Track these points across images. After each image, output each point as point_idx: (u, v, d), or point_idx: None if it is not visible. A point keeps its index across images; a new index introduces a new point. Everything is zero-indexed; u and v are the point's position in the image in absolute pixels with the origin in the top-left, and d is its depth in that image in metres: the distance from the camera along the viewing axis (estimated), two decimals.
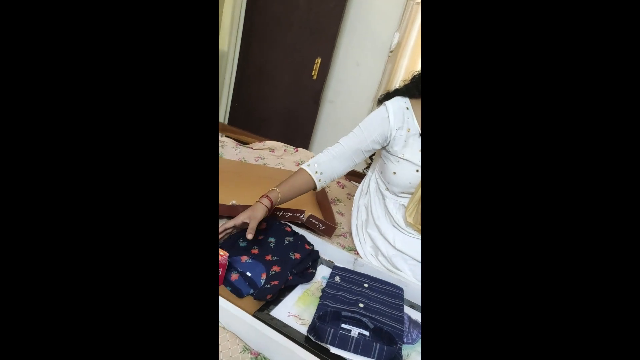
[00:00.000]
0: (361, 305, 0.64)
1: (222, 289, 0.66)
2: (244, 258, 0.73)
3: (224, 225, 0.77)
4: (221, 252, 0.65)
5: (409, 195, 0.85)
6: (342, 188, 1.32)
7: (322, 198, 1.17)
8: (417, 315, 0.70)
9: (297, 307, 0.63)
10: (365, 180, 1.02)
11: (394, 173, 0.85)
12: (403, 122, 0.83)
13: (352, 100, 2.28)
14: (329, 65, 2.19)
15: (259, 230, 0.84)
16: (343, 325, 0.59)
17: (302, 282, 0.72)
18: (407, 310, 0.70)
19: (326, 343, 0.53)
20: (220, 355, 0.48)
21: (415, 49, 2.05)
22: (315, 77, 2.21)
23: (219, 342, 0.49)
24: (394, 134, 0.83)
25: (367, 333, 0.58)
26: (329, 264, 0.81)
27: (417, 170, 0.82)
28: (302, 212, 0.92)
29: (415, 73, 0.88)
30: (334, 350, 0.52)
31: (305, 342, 0.54)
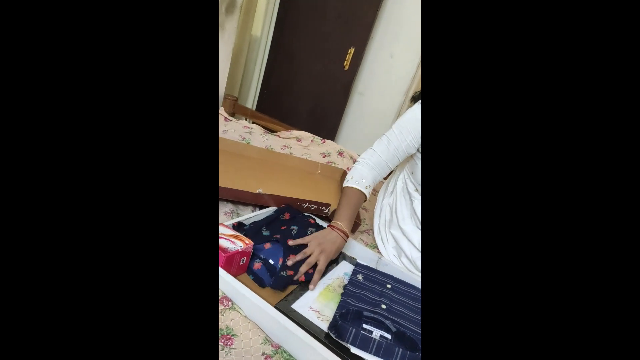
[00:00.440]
0: (384, 306, 0.63)
1: (245, 277, 0.66)
2: (267, 245, 0.73)
3: (319, 269, 0.67)
4: (246, 240, 0.65)
5: None
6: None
7: None
8: None
9: (318, 303, 0.63)
10: (391, 180, 0.98)
11: None
12: None
13: (383, 93, 2.22)
14: (362, 55, 2.13)
15: (282, 221, 0.84)
16: (364, 326, 0.57)
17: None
18: None
19: (347, 342, 0.52)
20: (242, 345, 0.48)
21: None
22: (346, 68, 2.17)
23: (241, 332, 0.49)
24: None
25: (388, 336, 0.56)
26: (352, 260, 0.80)
27: None
28: (327, 205, 0.90)
29: None
30: (354, 350, 0.51)
31: (325, 339, 0.53)
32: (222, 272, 0.55)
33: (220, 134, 1.37)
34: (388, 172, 0.86)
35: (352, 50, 2.13)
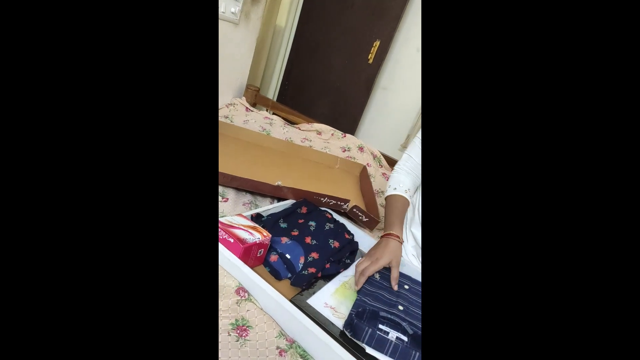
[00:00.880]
0: (401, 307, 0.61)
1: (261, 269, 0.66)
2: (284, 239, 0.73)
3: (363, 270, 0.66)
4: (264, 232, 0.64)
5: None
6: (387, 180, 1.27)
7: (366, 189, 1.13)
8: None
9: (334, 299, 0.62)
10: None
11: None
12: None
13: (407, 88, 2.16)
14: (387, 49, 2.08)
15: (299, 214, 0.83)
16: (380, 326, 0.56)
17: (338, 270, 0.70)
18: None
19: (362, 342, 0.51)
20: (256, 337, 0.47)
21: None
22: (371, 61, 2.12)
23: (256, 324, 0.49)
24: None
25: (405, 338, 0.55)
26: None
27: None
28: (346, 201, 0.89)
29: None
30: (369, 350, 0.50)
31: (340, 337, 0.52)
32: (239, 263, 0.55)
33: (241, 124, 1.37)
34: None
35: (377, 43, 2.08)
